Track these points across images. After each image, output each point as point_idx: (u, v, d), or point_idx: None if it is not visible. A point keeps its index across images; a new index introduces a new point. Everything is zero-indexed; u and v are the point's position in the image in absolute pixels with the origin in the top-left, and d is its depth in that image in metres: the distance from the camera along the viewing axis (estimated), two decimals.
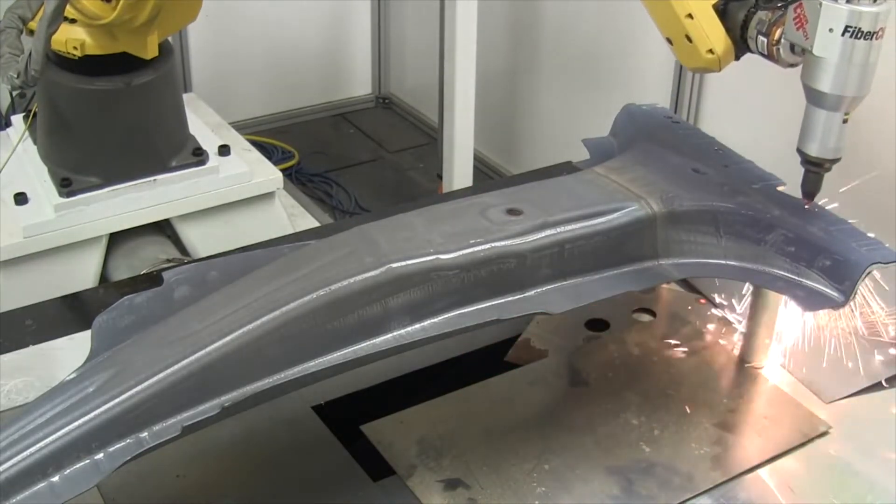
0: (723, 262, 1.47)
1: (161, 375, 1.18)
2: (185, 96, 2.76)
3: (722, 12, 1.47)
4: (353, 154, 4.44)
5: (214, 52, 4.23)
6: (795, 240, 1.41)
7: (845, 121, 1.38)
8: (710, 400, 1.53)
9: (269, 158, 3.17)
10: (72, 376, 1.20)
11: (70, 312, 1.78)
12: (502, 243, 1.35)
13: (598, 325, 1.70)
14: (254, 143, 2.97)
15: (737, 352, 1.63)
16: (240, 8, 4.18)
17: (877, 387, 1.57)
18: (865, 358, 1.62)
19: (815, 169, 1.43)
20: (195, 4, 2.46)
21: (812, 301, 1.38)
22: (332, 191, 4.14)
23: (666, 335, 1.67)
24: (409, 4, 4.52)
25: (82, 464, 1.14)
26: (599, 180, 1.52)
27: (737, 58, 1.49)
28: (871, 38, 1.31)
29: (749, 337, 1.60)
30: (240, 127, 3.19)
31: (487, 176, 4.06)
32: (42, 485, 1.12)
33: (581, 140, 1.73)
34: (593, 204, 1.43)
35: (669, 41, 1.54)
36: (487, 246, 1.34)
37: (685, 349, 1.64)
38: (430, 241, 1.33)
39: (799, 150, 1.43)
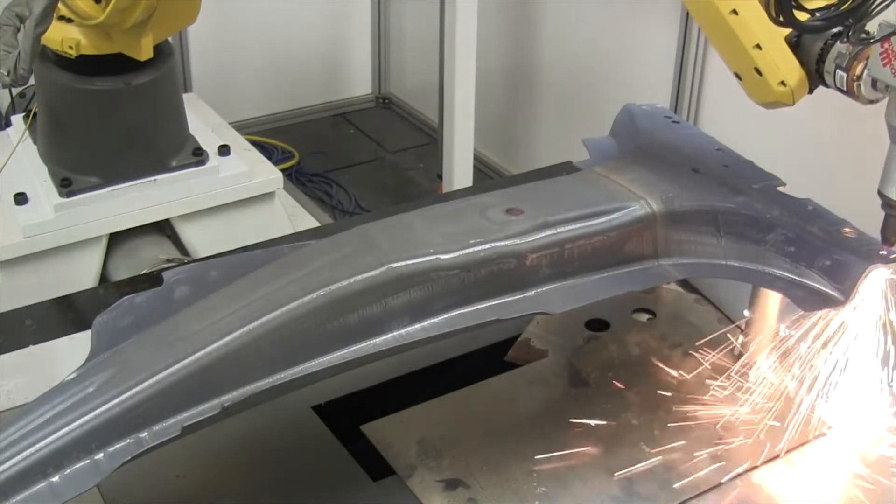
0: (723, 262, 1.46)
1: (161, 375, 1.18)
2: (185, 96, 2.76)
3: (795, 45, 1.37)
4: (353, 154, 4.45)
5: (214, 52, 4.23)
6: (795, 240, 1.41)
7: None
8: (710, 400, 1.53)
9: (269, 158, 3.17)
10: (72, 376, 1.20)
11: (70, 312, 1.78)
12: (502, 243, 1.35)
13: (598, 325, 1.70)
14: (254, 143, 2.98)
15: (737, 352, 1.63)
16: (240, 8, 4.19)
17: (877, 387, 1.57)
18: (865, 358, 1.62)
19: None
20: (193, 6, 2.46)
21: (812, 301, 1.38)
22: (332, 191, 4.14)
23: (666, 335, 1.67)
24: (409, 4, 4.52)
25: (82, 464, 1.14)
26: (599, 180, 1.52)
27: (810, 91, 1.39)
28: None
29: (749, 337, 1.60)
30: (240, 127, 3.20)
31: (487, 176, 4.07)
32: (42, 485, 1.12)
33: (581, 140, 1.73)
34: (593, 204, 1.43)
35: (738, 76, 1.43)
36: (487, 246, 1.34)
37: (685, 349, 1.64)
38: (430, 241, 1.33)
39: (880, 193, 1.34)
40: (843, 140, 2.72)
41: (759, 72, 1.38)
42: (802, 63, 1.37)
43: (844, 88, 1.33)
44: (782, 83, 1.37)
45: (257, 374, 1.23)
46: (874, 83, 1.29)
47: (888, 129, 1.30)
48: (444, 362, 1.63)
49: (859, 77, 1.30)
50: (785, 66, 1.37)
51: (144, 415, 1.17)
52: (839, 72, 1.32)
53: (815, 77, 1.37)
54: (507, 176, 3.92)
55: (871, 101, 1.32)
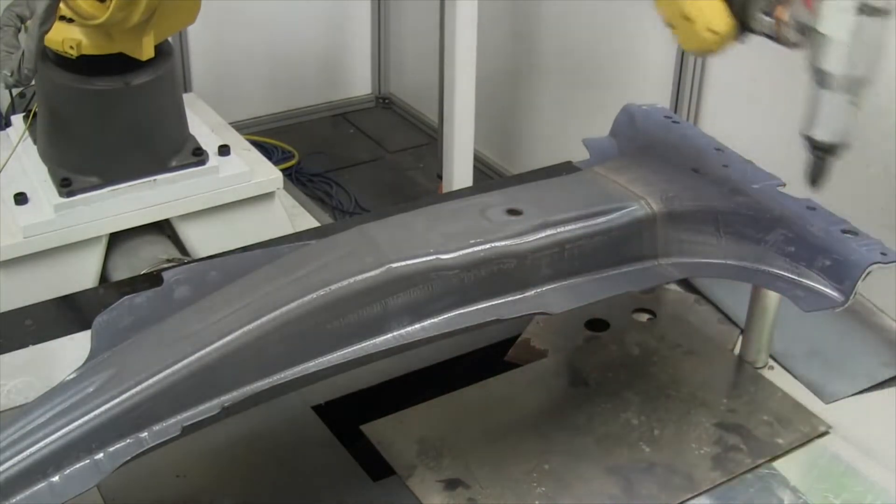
0: (723, 262, 1.47)
1: (161, 375, 1.18)
2: (185, 96, 2.76)
3: None
4: (353, 154, 4.44)
5: (214, 52, 4.23)
6: (795, 240, 1.41)
7: (855, 104, 1.34)
8: (710, 400, 1.53)
9: (269, 158, 3.17)
10: (72, 376, 1.20)
11: (70, 312, 1.78)
12: (502, 243, 1.35)
13: (598, 325, 1.70)
14: (254, 143, 2.98)
15: (737, 352, 1.63)
16: (240, 8, 4.19)
17: (877, 387, 1.57)
18: (865, 358, 1.62)
19: (822, 154, 1.39)
20: (193, 6, 2.46)
21: (812, 301, 1.38)
22: (332, 191, 4.14)
23: (666, 335, 1.67)
24: (409, 4, 4.52)
25: (82, 464, 1.14)
26: (599, 180, 1.52)
27: (739, 39, 1.44)
28: (883, 16, 1.28)
29: (749, 337, 1.60)
30: (240, 127, 3.20)
31: (487, 176, 4.06)
32: (42, 485, 1.12)
33: (581, 140, 1.73)
34: (593, 204, 1.44)
35: (670, 25, 1.48)
36: (487, 246, 1.34)
37: (685, 349, 1.64)
38: (430, 241, 1.33)
39: (803, 135, 1.39)
40: None
41: (688, 19, 1.42)
42: (731, 10, 1.40)
43: (770, 34, 1.37)
44: (710, 30, 1.40)
45: (257, 374, 1.23)
46: (799, 27, 1.33)
47: (811, 71, 1.34)
48: (444, 362, 1.63)
49: (784, 21, 1.35)
50: (713, 13, 1.40)
51: (144, 415, 1.17)
52: (765, 17, 1.37)
53: (743, 23, 1.40)
54: (507, 176, 3.91)
55: (797, 45, 1.36)
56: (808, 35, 1.34)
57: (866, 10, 1.27)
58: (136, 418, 1.16)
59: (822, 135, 1.37)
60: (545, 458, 1.42)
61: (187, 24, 2.55)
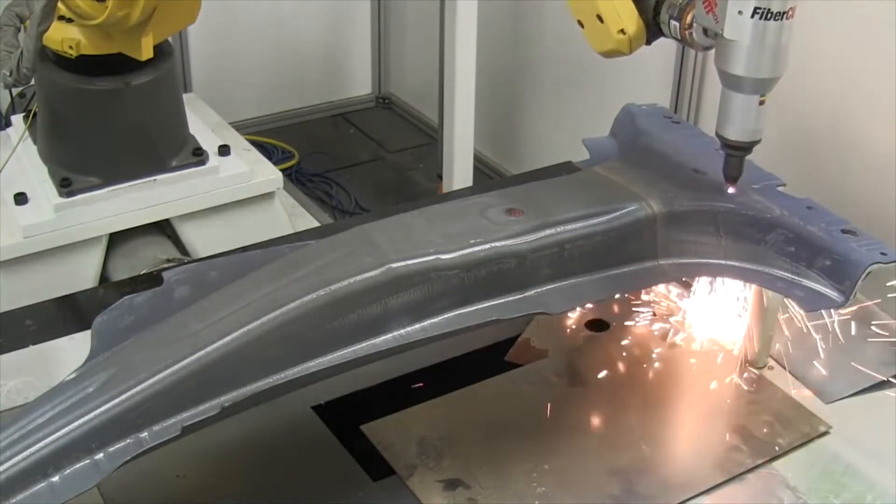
0: (723, 262, 1.47)
1: (161, 375, 1.18)
2: (185, 96, 2.76)
3: None
4: (353, 154, 4.44)
5: (214, 52, 4.22)
6: (795, 240, 1.41)
7: (762, 102, 1.37)
8: (711, 400, 1.53)
9: (269, 158, 3.17)
10: (72, 376, 1.20)
11: (70, 312, 1.78)
12: (502, 243, 1.35)
13: (598, 325, 1.70)
14: (254, 143, 2.97)
15: (737, 352, 1.63)
16: (240, 8, 4.18)
17: (877, 387, 1.57)
18: (865, 358, 1.62)
19: (735, 153, 1.43)
20: (193, 6, 2.45)
21: (812, 301, 1.38)
22: (332, 191, 4.13)
23: (666, 335, 1.67)
24: (409, 4, 4.52)
25: (82, 464, 1.14)
26: (599, 180, 1.52)
27: (648, 42, 1.47)
28: (782, 19, 1.30)
29: (749, 337, 1.60)
30: (240, 127, 3.19)
31: (487, 176, 4.06)
32: (42, 485, 1.12)
33: (581, 140, 1.73)
34: (593, 204, 1.44)
35: (580, 24, 1.51)
36: (487, 246, 1.34)
37: (685, 349, 1.64)
38: (430, 241, 1.33)
39: (718, 135, 1.43)
40: (842, 141, 2.72)
41: (600, 19, 1.45)
42: (641, 13, 1.44)
43: (679, 37, 1.41)
44: (622, 31, 1.44)
45: (257, 374, 1.23)
46: (705, 31, 1.36)
47: (718, 73, 1.37)
48: (444, 362, 1.63)
49: (690, 25, 1.38)
50: (625, 15, 1.44)
51: (144, 415, 1.17)
52: (673, 21, 1.40)
53: (654, 27, 1.44)
54: (507, 176, 3.91)
55: (706, 48, 1.39)
56: (713, 39, 1.36)
57: (765, 14, 1.29)
58: (136, 418, 1.16)
59: (734, 134, 1.40)
60: (545, 458, 1.42)
61: (187, 24, 2.55)
